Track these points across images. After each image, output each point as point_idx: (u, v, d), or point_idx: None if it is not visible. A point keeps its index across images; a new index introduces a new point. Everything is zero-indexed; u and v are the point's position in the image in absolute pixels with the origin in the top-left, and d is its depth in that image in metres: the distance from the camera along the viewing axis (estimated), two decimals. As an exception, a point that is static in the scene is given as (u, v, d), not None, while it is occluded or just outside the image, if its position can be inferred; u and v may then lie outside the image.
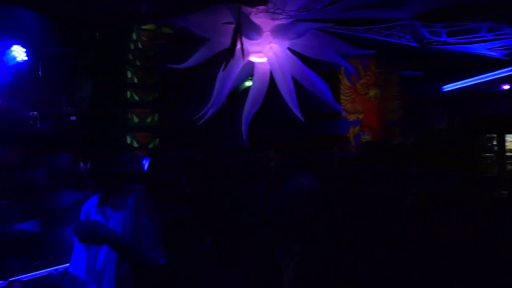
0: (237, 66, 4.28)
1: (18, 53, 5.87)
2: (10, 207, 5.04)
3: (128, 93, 5.47)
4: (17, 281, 4.35)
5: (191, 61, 4.45)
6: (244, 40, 4.19)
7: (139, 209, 2.84)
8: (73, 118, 5.92)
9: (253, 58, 4.25)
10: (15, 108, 5.55)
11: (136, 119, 5.46)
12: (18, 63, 5.88)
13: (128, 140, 5.41)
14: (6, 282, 4.27)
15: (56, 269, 4.76)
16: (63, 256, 4.94)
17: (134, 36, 5.45)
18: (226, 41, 4.35)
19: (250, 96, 4.48)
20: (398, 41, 5.18)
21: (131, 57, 5.50)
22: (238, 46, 3.60)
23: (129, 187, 3.04)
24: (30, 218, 5.14)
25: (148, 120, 5.53)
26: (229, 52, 3.54)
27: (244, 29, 3.85)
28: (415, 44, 5.15)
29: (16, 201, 5.13)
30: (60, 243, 5.16)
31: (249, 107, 4.49)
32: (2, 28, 5.54)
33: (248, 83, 5.20)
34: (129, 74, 5.51)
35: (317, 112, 5.29)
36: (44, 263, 4.82)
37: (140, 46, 5.45)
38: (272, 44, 4.26)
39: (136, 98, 5.48)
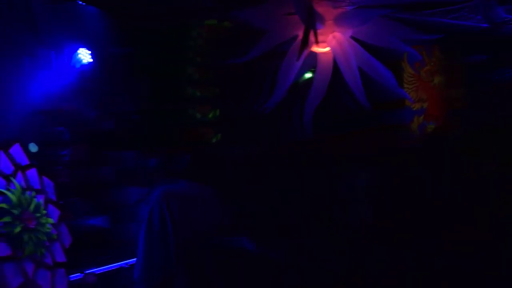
0: (300, 57, 4.22)
1: (84, 55, 6.11)
2: (81, 203, 5.26)
3: (190, 90, 5.56)
4: (91, 273, 4.56)
5: (251, 54, 4.44)
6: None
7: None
8: (135, 116, 6.08)
9: (316, 49, 4.18)
10: (82, 109, 5.76)
11: (198, 115, 5.54)
12: (84, 65, 6.12)
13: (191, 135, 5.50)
14: (82, 274, 4.48)
15: (127, 263, 4.96)
16: (132, 251, 5.12)
17: (194, 33, 5.52)
18: (287, 33, 4.32)
19: (314, 87, 4.42)
20: (466, 23, 4.93)
21: (191, 54, 5.58)
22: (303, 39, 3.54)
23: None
24: (99, 214, 5.34)
25: (210, 115, 5.59)
26: (303, 42, 3.49)
27: (305, 18, 3.78)
28: (486, 25, 4.88)
29: (86, 198, 5.36)
30: (128, 238, 5.35)
31: (312, 98, 4.43)
32: (70, 33, 5.77)
33: (307, 75, 5.13)
34: (189, 71, 5.60)
35: (379, 101, 5.14)
36: (113, 257, 5.02)
37: (200, 42, 5.52)
38: (335, 33, 4.18)
39: (198, 94, 5.56)
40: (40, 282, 3.62)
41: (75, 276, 4.30)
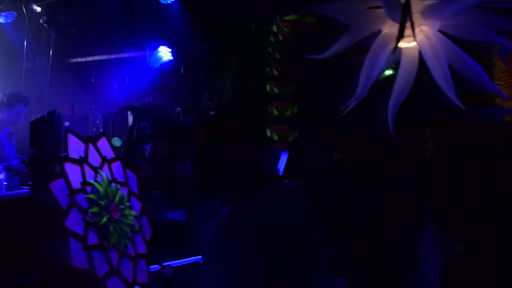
0: (384, 53, 4.04)
1: (164, 53, 6.33)
2: (160, 197, 5.42)
3: (268, 86, 5.55)
4: (168, 266, 4.67)
5: (333, 50, 4.30)
6: (391, 24, 3.95)
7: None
8: (212, 112, 6.17)
9: (401, 44, 3.97)
10: (163, 105, 5.94)
11: (276, 112, 5.51)
12: (164, 63, 6.34)
13: (268, 133, 5.49)
14: (159, 266, 4.60)
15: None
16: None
17: (275, 28, 5.50)
18: (370, 27, 4.15)
19: (397, 84, 4.19)
20: None
21: (270, 50, 5.57)
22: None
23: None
24: (177, 208, 5.47)
25: (288, 112, 5.55)
26: (398, 35, 3.32)
27: (391, 11, 3.60)
28: None
29: (165, 192, 5.51)
30: (204, 233, 5.44)
31: (396, 96, 4.21)
32: (151, 31, 5.99)
33: (388, 72, 4.92)
34: (268, 67, 5.59)
35: (467, 98, 4.81)
36: (190, 251, 5.12)
37: (280, 38, 5.49)
38: (422, 27, 3.94)
39: (276, 91, 5.54)
40: (123, 271, 3.74)
41: (153, 267, 4.42)
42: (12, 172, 4.54)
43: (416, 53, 4.14)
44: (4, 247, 3.36)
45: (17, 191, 4.05)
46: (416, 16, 3.94)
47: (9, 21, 5.31)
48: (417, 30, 3.99)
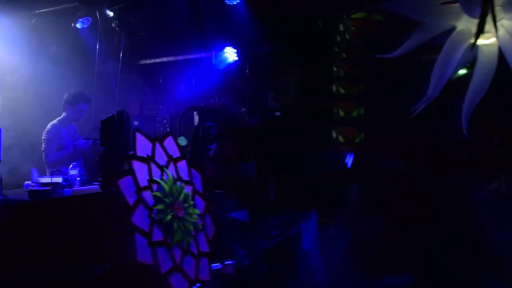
0: (458, 51, 3.83)
1: (230, 54, 6.38)
2: (224, 196, 5.45)
3: (334, 87, 5.43)
4: (230, 265, 4.68)
5: (403, 49, 4.14)
6: (467, 20, 3.73)
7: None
8: (277, 113, 6.15)
9: (479, 40, 3.73)
10: (228, 106, 5.98)
11: (341, 113, 5.38)
12: (230, 64, 6.38)
13: (334, 134, 5.38)
14: (221, 265, 4.62)
15: (266, 260, 5.00)
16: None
17: (342, 27, 5.38)
18: (443, 24, 3.95)
19: (473, 84, 3.96)
20: None
21: (337, 50, 5.45)
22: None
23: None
24: (241, 208, 5.48)
25: (354, 113, 5.40)
26: (478, 30, 3.14)
27: (469, 5, 3.40)
28: None
29: (229, 191, 5.53)
30: (267, 234, 5.40)
31: (471, 97, 3.98)
32: (217, 32, 6.06)
33: (462, 71, 4.67)
34: (334, 67, 5.47)
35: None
36: (252, 252, 5.10)
37: (347, 37, 5.36)
38: (503, 21, 3.69)
39: (342, 91, 5.40)
40: (185, 268, 3.78)
41: (215, 266, 4.42)
42: (79, 152, 4.78)
43: (495, 50, 3.88)
44: (74, 240, 3.50)
45: (88, 187, 4.24)
46: (497, 10, 3.68)
47: (85, 26, 5.58)
48: (497, 24, 3.73)
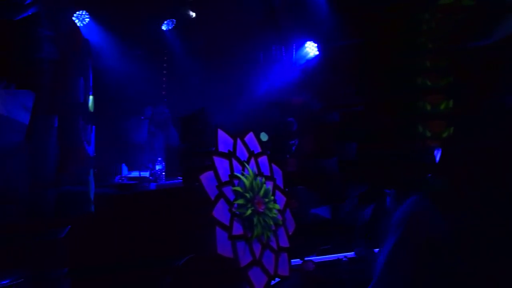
0: None
1: (311, 49, 6.30)
2: (305, 192, 5.42)
3: (419, 79, 5.16)
4: (310, 261, 4.64)
5: (496, 36, 3.82)
6: None
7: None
8: (360, 108, 5.98)
9: None
10: (309, 102, 5.92)
11: (428, 107, 5.11)
12: (310, 58, 6.31)
13: (420, 129, 5.12)
14: (301, 261, 4.59)
15: (346, 256, 4.91)
16: (351, 244, 5.05)
17: (427, 16, 5.09)
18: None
19: None
20: None
21: (423, 40, 5.17)
22: None
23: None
24: (321, 203, 5.41)
25: (442, 107, 5.09)
26: None
27: None
28: None
29: (310, 187, 5.49)
30: (347, 231, 5.29)
31: None
32: (297, 27, 6.02)
33: None
34: (420, 59, 5.19)
35: None
36: (332, 248, 5.02)
37: (434, 25, 5.06)
38: None
39: (429, 83, 5.12)
40: (265, 263, 3.83)
41: (294, 261, 4.42)
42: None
43: None
44: (158, 232, 3.67)
45: (172, 181, 4.42)
46: None
47: (169, 27, 5.81)
48: None
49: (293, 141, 5.28)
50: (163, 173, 4.27)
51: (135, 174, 4.30)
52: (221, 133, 3.88)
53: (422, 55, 5.19)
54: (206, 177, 3.60)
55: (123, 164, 4.36)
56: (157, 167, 4.27)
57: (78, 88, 3.66)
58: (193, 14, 5.78)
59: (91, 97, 4.18)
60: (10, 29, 3.21)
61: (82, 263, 3.28)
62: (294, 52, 6.17)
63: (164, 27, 5.83)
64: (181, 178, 4.43)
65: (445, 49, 5.03)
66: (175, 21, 5.80)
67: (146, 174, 4.20)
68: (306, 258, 4.65)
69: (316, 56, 6.17)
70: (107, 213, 3.63)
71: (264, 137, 5.10)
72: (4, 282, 2.90)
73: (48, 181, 3.24)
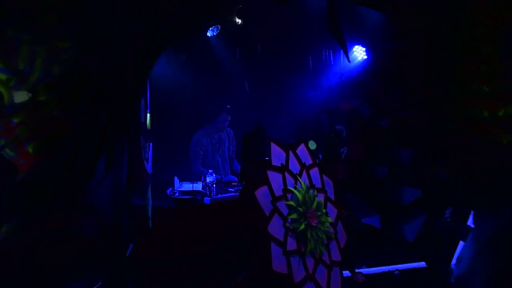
0: None
1: (359, 53, 6.22)
2: (356, 200, 5.38)
3: (474, 85, 5.00)
4: (360, 273, 4.61)
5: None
6: None
7: None
8: (410, 113, 5.87)
9: None
10: (358, 107, 5.86)
11: (485, 113, 4.94)
12: (359, 63, 6.22)
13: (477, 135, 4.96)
14: (350, 273, 4.56)
15: (397, 269, 4.85)
16: (400, 256, 4.98)
17: (482, 17, 4.90)
18: None
19: None
20: None
21: (477, 43, 4.99)
22: None
23: None
24: (373, 213, 5.38)
25: (501, 113, 4.92)
26: None
27: None
28: None
29: (361, 195, 5.46)
30: (399, 242, 5.22)
31: None
32: (346, 31, 5.94)
33: None
34: (475, 63, 5.03)
35: None
36: (384, 260, 4.97)
37: (489, 27, 4.86)
38: None
39: (485, 89, 4.95)
40: (318, 278, 3.81)
41: (344, 273, 4.36)
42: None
43: None
44: (213, 247, 3.73)
45: (224, 195, 4.46)
46: None
47: (214, 33, 5.84)
48: None
49: (343, 149, 5.23)
50: (214, 185, 4.31)
51: (187, 186, 4.35)
52: (273, 146, 3.90)
53: (478, 59, 5.03)
54: (260, 193, 3.62)
55: (175, 177, 4.43)
56: (208, 179, 4.31)
57: (141, 109, 3.75)
58: (239, 21, 5.79)
59: (148, 115, 4.24)
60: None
61: (142, 282, 3.37)
62: (342, 55, 6.09)
63: (209, 33, 5.86)
64: (233, 191, 4.50)
65: (503, 51, 4.85)
66: (219, 27, 5.83)
67: (198, 186, 4.25)
68: (356, 270, 4.61)
69: (365, 61, 6.07)
70: (162, 230, 3.69)
71: (312, 145, 5.08)
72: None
73: (123, 201, 3.34)
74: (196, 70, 6.04)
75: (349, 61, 4.40)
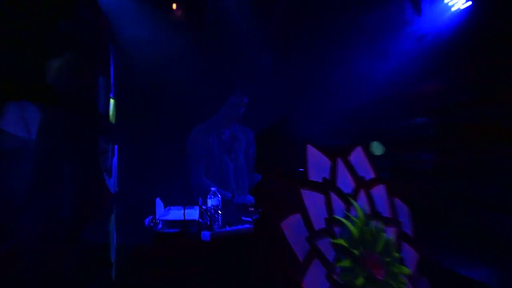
0: None
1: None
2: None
3: None
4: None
5: None
6: None
7: None
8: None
9: None
10: (451, 88, 5.71)
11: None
12: (457, 13, 6.03)
13: None
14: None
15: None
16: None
17: None
18: None
19: None
20: None
21: None
22: None
23: None
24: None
25: None
26: None
27: None
28: None
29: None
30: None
31: None
32: None
33: None
34: None
35: None
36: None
37: None
38: None
39: None
40: None
41: None
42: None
43: None
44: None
45: (235, 227, 4.35)
46: None
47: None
48: None
49: (430, 155, 5.05)
50: (219, 212, 4.14)
51: (175, 213, 4.19)
52: (311, 151, 3.81)
53: None
54: (289, 224, 3.50)
55: (157, 199, 4.28)
56: (210, 202, 4.13)
57: (97, 92, 3.65)
58: None
59: (112, 102, 4.09)
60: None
61: None
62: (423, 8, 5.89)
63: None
64: (249, 221, 4.43)
65: None
66: None
67: (194, 213, 4.08)
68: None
69: (465, 11, 5.75)
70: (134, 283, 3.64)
71: (377, 149, 4.97)
72: None
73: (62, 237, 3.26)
74: (197, 33, 6.07)
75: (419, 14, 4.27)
